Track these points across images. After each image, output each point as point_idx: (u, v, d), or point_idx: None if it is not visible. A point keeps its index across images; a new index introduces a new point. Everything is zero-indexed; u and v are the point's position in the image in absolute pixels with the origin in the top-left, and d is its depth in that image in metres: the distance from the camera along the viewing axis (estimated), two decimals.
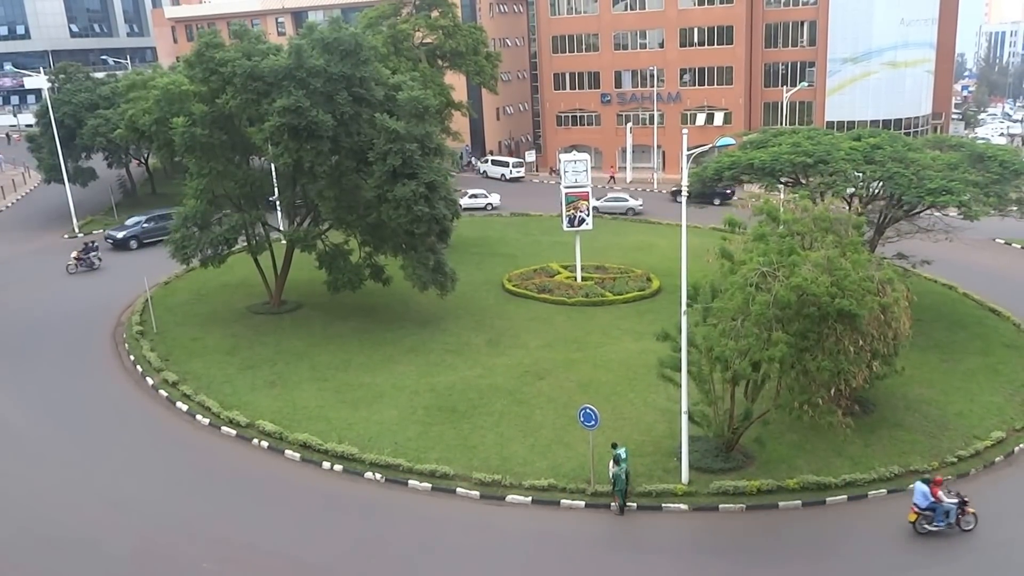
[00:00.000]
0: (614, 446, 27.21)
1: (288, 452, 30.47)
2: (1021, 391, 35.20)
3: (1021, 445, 31.09)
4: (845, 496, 27.59)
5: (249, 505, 27.57)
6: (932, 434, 31.36)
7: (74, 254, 53.30)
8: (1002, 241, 58.37)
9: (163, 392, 35.32)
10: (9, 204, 74.88)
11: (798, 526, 26.52)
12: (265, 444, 31.10)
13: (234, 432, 31.96)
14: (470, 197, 70.67)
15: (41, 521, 26.44)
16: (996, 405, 33.83)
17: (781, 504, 27.26)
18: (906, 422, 32.14)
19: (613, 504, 26.92)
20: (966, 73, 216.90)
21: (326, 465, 29.63)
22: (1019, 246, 57.59)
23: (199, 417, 33.20)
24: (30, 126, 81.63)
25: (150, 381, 36.40)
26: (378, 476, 28.85)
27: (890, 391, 33.47)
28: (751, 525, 26.49)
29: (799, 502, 27.34)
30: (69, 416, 33.58)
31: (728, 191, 71.97)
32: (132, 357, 38.91)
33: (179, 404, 34.23)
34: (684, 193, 27.50)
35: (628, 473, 26.82)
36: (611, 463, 26.74)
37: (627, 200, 70.27)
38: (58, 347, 40.53)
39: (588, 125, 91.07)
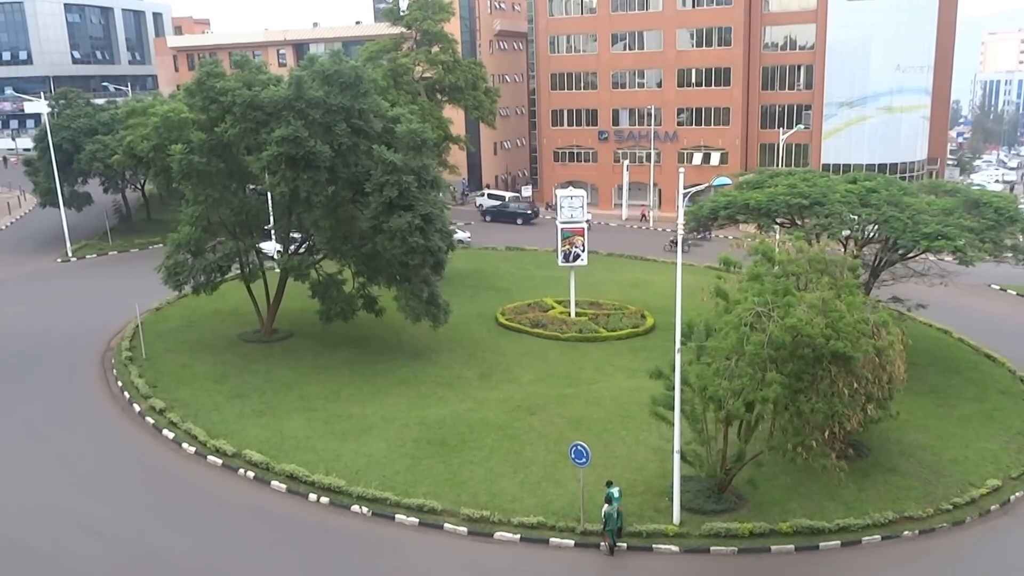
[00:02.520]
0: (609, 484, 26.95)
1: (274, 483, 30.06)
2: (1017, 438, 34.96)
3: (1017, 493, 30.81)
4: (839, 541, 27.26)
5: (233, 536, 27.15)
6: (927, 480, 31.07)
7: None
8: (997, 287, 58.44)
9: (150, 419, 34.93)
10: (3, 227, 74.75)
11: (790, 571, 26.19)
12: (251, 474, 30.69)
13: (220, 462, 31.54)
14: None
15: (18, 547, 26.03)
16: (992, 452, 33.56)
17: (774, 548, 26.90)
18: (901, 467, 31.86)
19: (603, 544, 26.54)
20: (961, 120, 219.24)
21: (312, 497, 29.22)
22: (1014, 292, 57.65)
23: (185, 445, 32.80)
24: (28, 150, 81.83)
25: (137, 408, 36.02)
26: (365, 510, 28.45)
27: (884, 435, 33.24)
28: (743, 569, 26.12)
29: (792, 546, 26.98)
30: (53, 440, 33.21)
31: (530, 211, 73.53)
32: (120, 383, 38.56)
33: (165, 432, 33.84)
34: (680, 233, 27.46)
35: (620, 513, 26.51)
36: (605, 502, 26.45)
37: (456, 232, 71.67)
38: (46, 371, 40.19)
39: (585, 162, 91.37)
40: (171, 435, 33.57)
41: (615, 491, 26.58)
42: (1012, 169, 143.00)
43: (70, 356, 42.03)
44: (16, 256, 63.37)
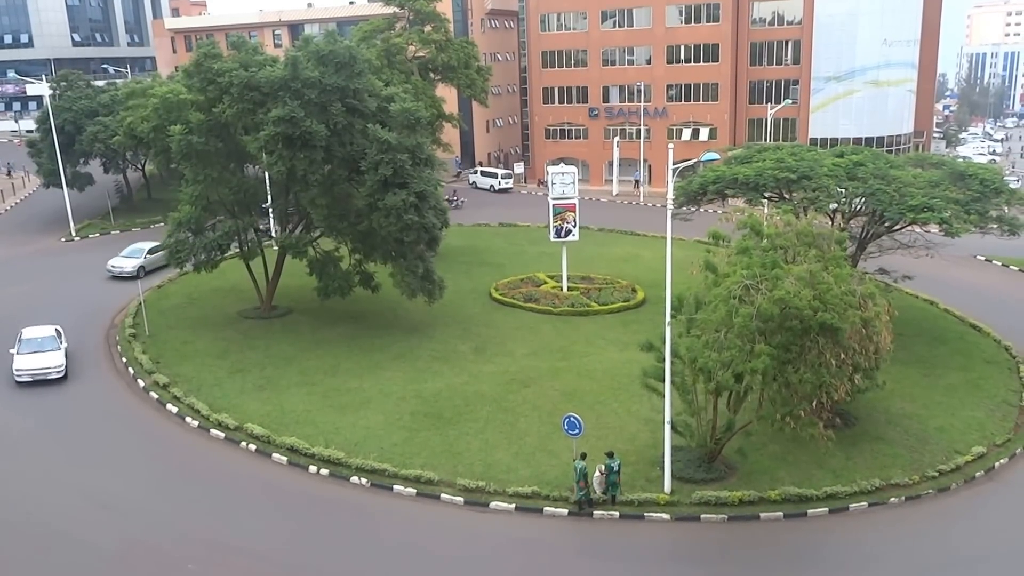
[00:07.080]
0: (609, 455, 27.70)
1: (275, 455, 30.72)
2: (1002, 406, 35.55)
3: (1002, 460, 31.40)
4: (826, 508, 27.84)
5: (236, 507, 27.83)
6: (913, 448, 31.66)
7: None
8: (982, 258, 58.86)
9: (154, 394, 35.56)
10: (8, 207, 74.99)
11: (779, 538, 26.80)
12: (253, 447, 31.36)
13: (223, 435, 32.23)
14: None
15: (30, 519, 26.64)
16: (977, 420, 34.13)
17: (762, 515, 27.53)
18: (887, 436, 32.44)
19: (592, 502, 27.31)
20: (947, 93, 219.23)
21: (312, 469, 29.89)
22: (999, 263, 58.16)
23: (188, 419, 33.47)
24: (31, 131, 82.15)
25: (141, 383, 36.64)
26: (364, 481, 29.12)
27: (872, 405, 33.79)
28: (732, 536, 26.77)
29: (780, 514, 27.60)
30: (60, 416, 33.78)
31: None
32: (124, 359, 39.15)
33: (169, 406, 34.51)
34: (670, 206, 27.97)
35: (616, 483, 27.37)
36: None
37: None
38: None
39: (576, 138, 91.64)
40: (175, 409, 34.23)
41: (614, 463, 27.35)
42: (997, 141, 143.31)
43: (75, 333, 42.26)
44: (22, 235, 63.77)
